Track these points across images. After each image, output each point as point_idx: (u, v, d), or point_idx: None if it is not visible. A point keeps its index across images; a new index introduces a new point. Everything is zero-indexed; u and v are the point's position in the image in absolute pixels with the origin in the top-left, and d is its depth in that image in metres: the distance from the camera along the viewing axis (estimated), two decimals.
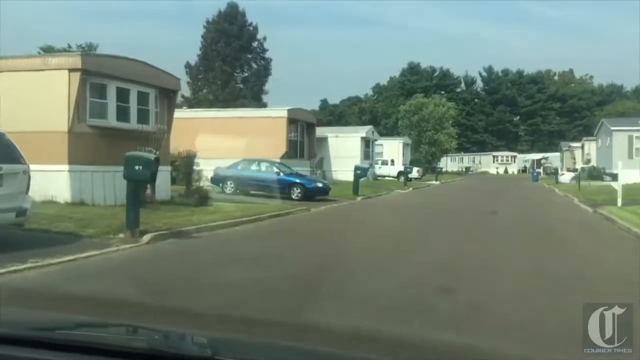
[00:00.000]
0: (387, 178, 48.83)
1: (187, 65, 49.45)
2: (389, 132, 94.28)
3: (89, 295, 6.51)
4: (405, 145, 57.66)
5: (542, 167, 71.60)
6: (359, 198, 28.03)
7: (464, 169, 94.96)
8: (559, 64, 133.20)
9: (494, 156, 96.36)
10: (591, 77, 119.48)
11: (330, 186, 27.10)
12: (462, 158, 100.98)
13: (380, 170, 49.25)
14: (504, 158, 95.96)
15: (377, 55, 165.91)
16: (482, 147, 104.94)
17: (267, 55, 47.33)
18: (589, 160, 53.29)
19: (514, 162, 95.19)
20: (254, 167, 26.73)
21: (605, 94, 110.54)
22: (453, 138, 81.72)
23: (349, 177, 42.60)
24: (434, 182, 52.85)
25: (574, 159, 64.24)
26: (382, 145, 55.06)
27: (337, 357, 2.04)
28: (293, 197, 25.72)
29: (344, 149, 42.91)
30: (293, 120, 30.25)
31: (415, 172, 49.09)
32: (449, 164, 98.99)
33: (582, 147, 57.11)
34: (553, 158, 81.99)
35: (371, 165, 44.95)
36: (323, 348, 2.14)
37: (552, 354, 4.96)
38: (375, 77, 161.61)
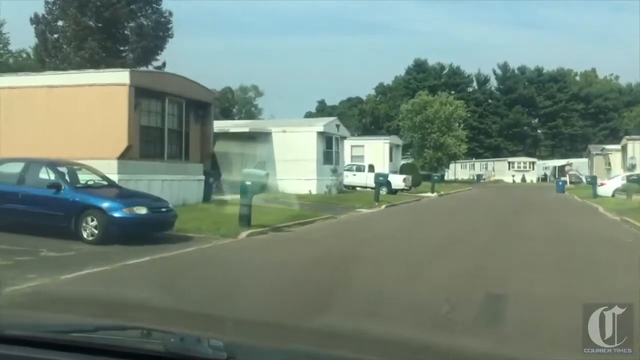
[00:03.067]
0: (367, 189, 34.81)
1: (34, 19, 31.51)
2: (391, 135, 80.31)
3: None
4: (394, 146, 43.51)
5: (567, 175, 56.90)
6: (244, 233, 13.93)
7: (475, 177, 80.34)
8: (580, 65, 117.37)
9: (509, 162, 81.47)
10: (616, 77, 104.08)
11: (174, 212, 13.08)
12: (474, 165, 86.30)
13: (354, 178, 35.25)
14: (521, 164, 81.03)
15: (382, 56, 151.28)
16: (496, 152, 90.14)
17: (164, 7, 33.08)
18: (633, 166, 38.67)
19: (533, 169, 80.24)
20: (15, 171, 12.86)
21: (634, 93, 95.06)
22: (462, 142, 67.65)
23: (303, 188, 28.83)
24: (428, 194, 38.70)
25: (609, 164, 49.54)
26: (362, 146, 41.10)
27: None
28: (84, 236, 11.92)
29: (294, 149, 29.04)
30: (148, 93, 16.26)
31: (400, 182, 34.90)
32: (458, 171, 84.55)
33: (624, 149, 42.38)
34: (578, 164, 67.19)
35: (335, 171, 30.96)
36: (338, 352, 2.10)
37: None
38: (379, 77, 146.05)
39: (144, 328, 2.08)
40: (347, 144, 41.08)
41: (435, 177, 40.15)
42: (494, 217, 20.59)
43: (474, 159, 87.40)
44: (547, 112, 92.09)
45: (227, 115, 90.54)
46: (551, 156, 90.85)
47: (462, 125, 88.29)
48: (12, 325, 2.08)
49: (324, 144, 30.08)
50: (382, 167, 40.23)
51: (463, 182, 73.37)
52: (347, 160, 40.00)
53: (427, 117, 66.17)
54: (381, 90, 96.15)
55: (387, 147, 40.64)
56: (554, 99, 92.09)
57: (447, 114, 66.42)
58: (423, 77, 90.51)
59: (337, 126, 31.10)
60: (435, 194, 39.07)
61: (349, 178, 34.54)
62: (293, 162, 29.10)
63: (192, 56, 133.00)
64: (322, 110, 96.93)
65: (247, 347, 2.03)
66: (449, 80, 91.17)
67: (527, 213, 23.14)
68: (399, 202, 29.03)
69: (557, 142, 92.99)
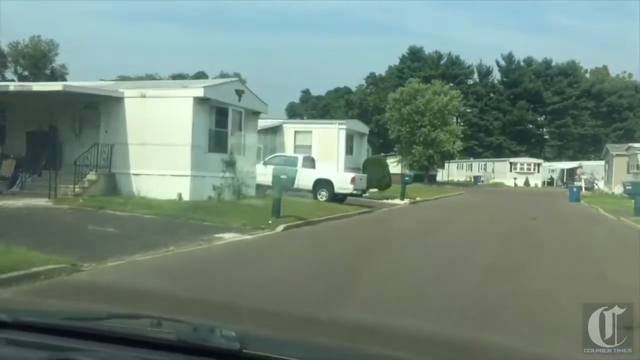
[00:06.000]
0: (303, 192, 22.77)
1: None
2: (381, 129, 68.15)
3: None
4: (356, 135, 31.29)
5: (582, 180, 44.55)
6: None
7: (472, 179, 68.02)
8: (590, 63, 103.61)
9: (511, 163, 68.90)
10: (630, 74, 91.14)
11: None
12: (471, 165, 73.90)
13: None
14: (525, 166, 68.42)
15: (378, 51, 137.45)
16: (497, 152, 77.73)
17: None
18: None
19: (538, 171, 67.69)
20: None
21: None
22: (457, 138, 55.59)
23: (172, 189, 16.97)
24: (397, 200, 26.62)
25: (638, 167, 37.32)
26: (309, 132, 29.04)
27: (364, 354, 1.93)
28: None
29: (158, 126, 17.16)
30: None
31: (347, 183, 22.59)
32: (454, 172, 72.28)
33: None
34: (591, 168, 54.72)
35: (232, 164, 18.83)
36: (351, 345, 2.02)
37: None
38: (371, 67, 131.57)
39: (156, 317, 1.96)
40: (290, 129, 29.16)
41: (407, 178, 27.84)
42: (468, 275, 8.42)
43: (471, 159, 75.19)
44: (554, 108, 79.48)
45: None
46: (558, 158, 78.46)
47: (460, 121, 76.20)
48: (27, 312, 2.03)
49: (212, 120, 17.96)
50: (336, 161, 28.26)
51: (458, 184, 61.21)
52: (289, 150, 28.06)
53: (417, 107, 54.22)
54: (372, 80, 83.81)
55: (342, 134, 28.45)
56: (563, 95, 79.50)
57: (440, 105, 54.37)
58: (418, 67, 78.41)
59: (239, 92, 18.84)
60: (405, 200, 26.97)
61: (266, 176, 22.44)
62: (157, 148, 17.17)
63: (176, 41, 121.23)
64: (307, 100, 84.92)
65: (260, 337, 1.91)
66: (447, 71, 78.94)
67: (539, 254, 10.93)
68: (325, 217, 16.89)
69: (565, 143, 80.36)
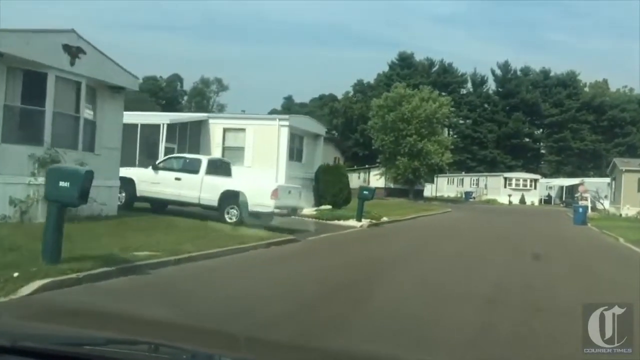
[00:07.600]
0: (208, 211, 15.37)
1: None
2: (366, 139, 60.98)
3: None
4: (308, 136, 23.87)
5: (587, 199, 37.21)
6: None
7: (463, 195, 60.68)
8: (589, 77, 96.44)
9: (505, 179, 61.48)
10: (631, 89, 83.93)
11: None
12: (463, 180, 66.49)
13: (177, 186, 15.61)
14: (520, 182, 60.95)
15: (367, 62, 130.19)
16: (491, 166, 70.43)
17: None
18: None
19: (535, 187, 60.28)
20: None
21: None
22: (446, 149, 48.38)
23: None
24: (352, 222, 19.25)
25: None
26: (242, 130, 21.67)
27: None
28: None
29: None
30: None
31: (266, 199, 15.22)
32: (445, 186, 65.01)
33: None
34: (596, 185, 47.44)
35: (49, 162, 11.50)
36: None
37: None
38: (360, 74, 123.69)
39: (155, 343, 1.91)
40: (217, 126, 21.87)
41: (366, 192, 20.35)
42: None
43: (463, 173, 67.87)
44: (553, 121, 72.35)
45: (172, 104, 71.71)
46: (555, 174, 71.24)
47: (451, 132, 69.01)
48: (25, 336, 1.92)
49: (13, 90, 10.54)
50: (276, 167, 20.96)
51: (447, 200, 53.89)
52: (216, 153, 20.76)
53: (403, 115, 47.03)
54: (360, 88, 76.69)
55: (285, 133, 21.03)
56: (562, 107, 72.38)
57: (428, 113, 47.20)
58: (408, 74, 71.26)
59: (72, 51, 11.23)
60: (364, 222, 19.62)
61: (168, 186, 15.18)
62: None
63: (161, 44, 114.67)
64: (289, 108, 77.70)
65: None
66: (439, 79, 71.84)
67: None
68: (183, 255, 9.51)
69: (564, 158, 73.00)
